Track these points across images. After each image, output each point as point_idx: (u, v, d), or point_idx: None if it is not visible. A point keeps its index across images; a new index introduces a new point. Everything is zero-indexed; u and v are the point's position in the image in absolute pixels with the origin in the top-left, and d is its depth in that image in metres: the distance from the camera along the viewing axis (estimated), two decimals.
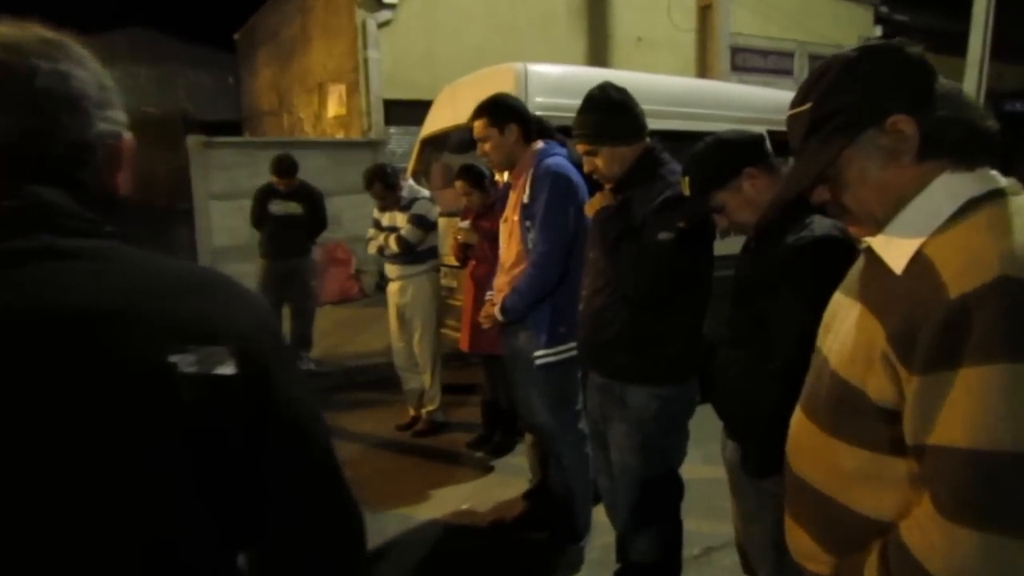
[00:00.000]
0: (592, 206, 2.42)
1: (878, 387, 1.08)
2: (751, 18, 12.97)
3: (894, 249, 1.08)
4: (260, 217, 5.99)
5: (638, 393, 2.32)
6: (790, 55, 13.90)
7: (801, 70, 14.03)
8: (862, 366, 1.12)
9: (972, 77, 10.95)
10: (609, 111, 2.34)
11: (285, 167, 5.85)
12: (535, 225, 2.78)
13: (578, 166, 2.71)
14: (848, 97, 1.11)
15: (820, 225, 1.69)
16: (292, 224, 5.94)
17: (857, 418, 1.14)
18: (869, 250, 1.17)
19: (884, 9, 14.78)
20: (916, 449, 1.02)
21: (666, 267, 2.17)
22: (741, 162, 1.86)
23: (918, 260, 1.04)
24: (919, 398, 0.99)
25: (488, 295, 3.18)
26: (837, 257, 1.62)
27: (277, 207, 5.91)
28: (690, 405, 2.40)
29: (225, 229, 8.94)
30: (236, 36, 18.04)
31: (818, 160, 1.15)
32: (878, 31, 14.65)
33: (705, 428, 2.40)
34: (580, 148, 2.40)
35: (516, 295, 2.83)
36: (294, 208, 5.94)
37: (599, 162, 2.37)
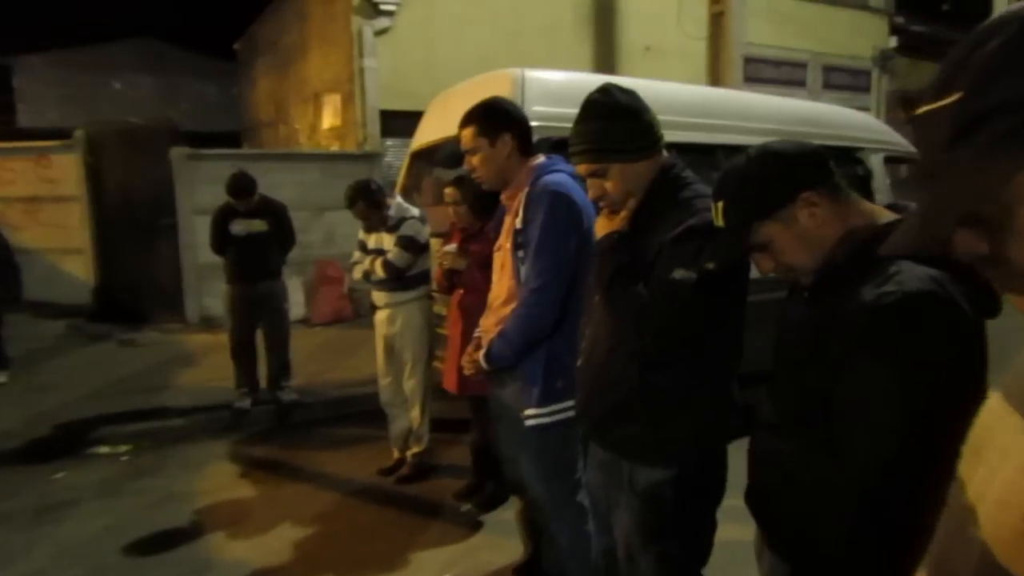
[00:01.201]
0: (601, 230, 1.91)
1: None
2: (764, 27, 12.51)
3: None
4: (221, 240, 5.46)
5: (651, 475, 1.81)
6: (803, 66, 13.42)
7: (815, 81, 13.59)
8: None
9: None
10: (617, 118, 1.83)
11: (241, 187, 5.32)
12: (528, 256, 2.30)
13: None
14: None
15: (911, 275, 1.19)
16: (258, 243, 5.43)
17: None
18: None
19: (900, 19, 14.32)
20: None
21: (679, 316, 1.66)
22: (797, 183, 1.36)
23: None
24: None
25: (476, 334, 2.68)
26: (941, 324, 1.14)
27: (239, 227, 5.39)
28: (718, 490, 1.88)
29: None
30: (236, 46, 17.70)
31: (970, 186, 0.67)
32: (893, 42, 14.20)
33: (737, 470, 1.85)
34: (583, 169, 1.89)
35: (504, 340, 2.34)
36: (258, 225, 5.43)
37: (609, 184, 1.85)
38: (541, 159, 2.44)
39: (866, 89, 14.19)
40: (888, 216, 1.34)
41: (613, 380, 1.83)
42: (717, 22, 11.65)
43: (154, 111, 17.21)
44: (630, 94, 1.85)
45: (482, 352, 2.42)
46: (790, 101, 6.38)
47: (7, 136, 14.33)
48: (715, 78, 11.60)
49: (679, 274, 1.63)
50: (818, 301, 1.35)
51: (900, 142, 6.52)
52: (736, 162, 1.45)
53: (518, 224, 2.33)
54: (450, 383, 3.79)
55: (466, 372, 2.58)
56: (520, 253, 2.32)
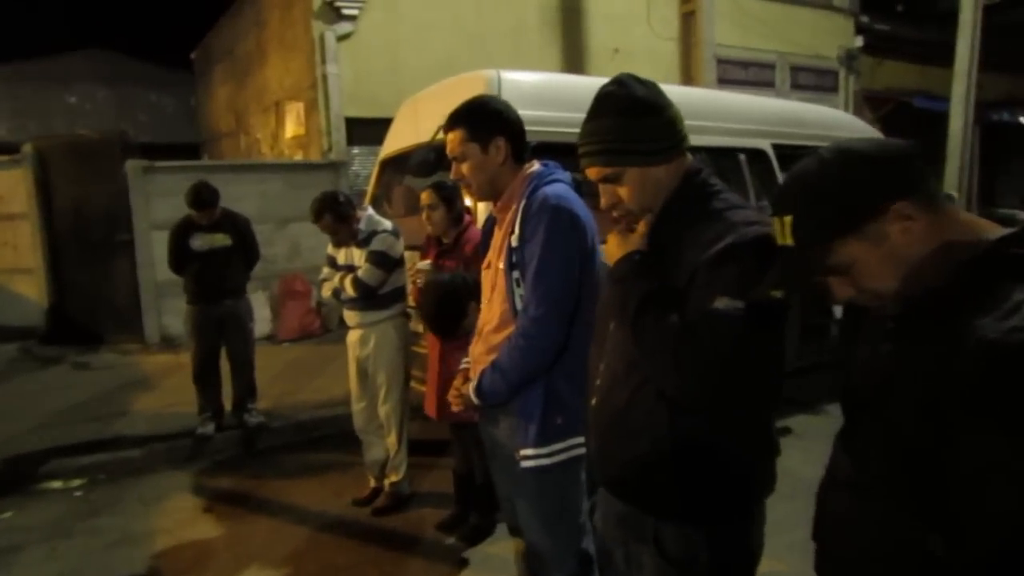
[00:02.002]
0: (616, 249, 1.63)
1: None
2: (731, 29, 12.44)
3: None
4: (180, 257, 5.14)
5: (681, 535, 1.55)
6: (771, 66, 13.39)
7: (783, 82, 13.57)
8: None
9: (960, 87, 10.55)
10: (635, 114, 1.55)
11: (203, 199, 5.01)
12: (527, 278, 2.02)
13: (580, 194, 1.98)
14: None
15: None
16: (221, 258, 5.13)
17: None
18: None
19: (865, 19, 14.36)
20: None
21: (726, 352, 1.37)
22: (888, 192, 1.10)
23: None
24: None
25: (464, 363, 2.39)
26: None
27: (201, 242, 5.09)
28: (757, 548, 1.62)
29: None
30: (193, 56, 17.22)
31: None
32: (859, 41, 14.23)
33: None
34: (593, 173, 1.61)
35: (497, 373, 2.05)
36: (221, 240, 5.13)
37: (624, 191, 1.58)
38: (536, 166, 2.17)
39: (833, 89, 14.21)
40: (997, 229, 1.08)
41: (637, 424, 1.55)
42: (688, 22, 11.51)
43: (109, 124, 16.64)
44: (649, 86, 1.59)
45: (471, 385, 2.14)
46: (773, 101, 6.24)
47: None
48: (687, 79, 11.46)
49: (723, 303, 1.35)
50: (909, 333, 1.09)
51: None
52: (806, 166, 1.18)
53: (514, 241, 2.05)
54: (430, 408, 3.52)
55: (453, 407, 2.30)
56: (516, 274, 2.05)
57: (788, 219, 1.16)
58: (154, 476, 4.84)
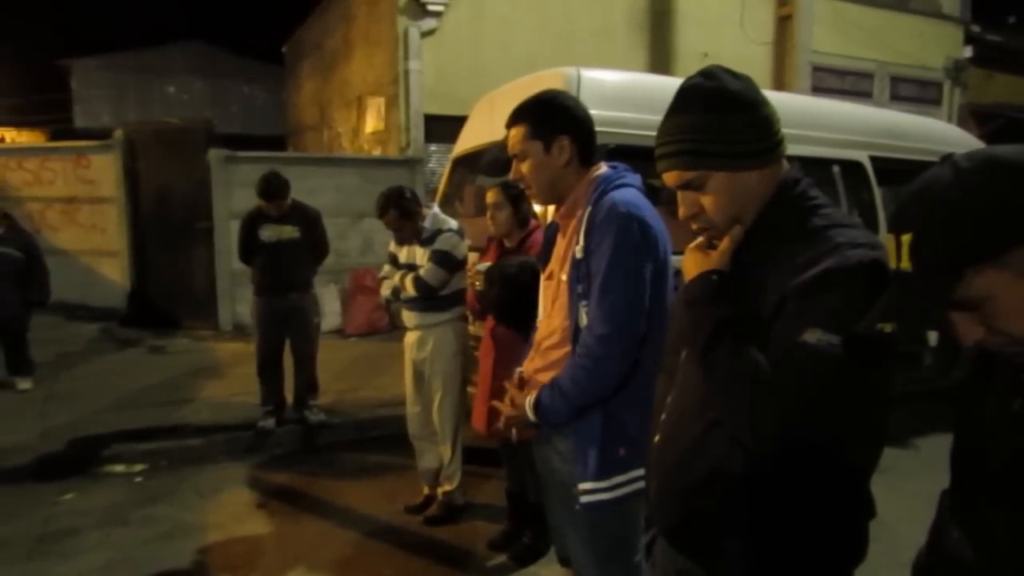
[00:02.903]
0: (693, 268, 1.40)
1: None
2: (828, 35, 11.86)
3: None
4: (248, 247, 5.15)
5: None
6: (870, 76, 12.70)
7: (881, 92, 12.85)
8: None
9: None
10: (725, 110, 1.31)
11: (273, 189, 4.99)
12: (592, 293, 1.81)
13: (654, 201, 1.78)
14: None
15: None
16: (289, 251, 5.09)
17: None
18: None
19: (976, 28, 13.47)
20: None
21: (813, 394, 1.14)
22: None
23: None
24: None
25: (516, 373, 2.19)
26: None
27: (269, 233, 5.07)
28: None
29: None
30: (284, 49, 17.65)
31: None
32: (968, 52, 13.34)
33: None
34: (671, 178, 1.37)
35: (557, 393, 1.85)
36: (289, 232, 5.09)
37: (707, 200, 1.34)
38: (604, 169, 1.96)
39: (936, 102, 13.37)
40: None
41: (705, 470, 1.32)
42: (783, 26, 11.00)
43: (203, 114, 17.22)
44: (744, 80, 1.34)
45: (529, 400, 1.92)
46: (872, 110, 5.83)
47: (64, 136, 14.43)
48: (780, 86, 10.97)
49: (814, 336, 1.13)
50: None
51: None
52: (936, 175, 0.94)
53: (578, 253, 1.84)
54: (479, 422, 3.33)
55: (504, 414, 2.04)
56: (580, 287, 1.84)
57: (907, 238, 0.93)
58: (213, 466, 4.84)
